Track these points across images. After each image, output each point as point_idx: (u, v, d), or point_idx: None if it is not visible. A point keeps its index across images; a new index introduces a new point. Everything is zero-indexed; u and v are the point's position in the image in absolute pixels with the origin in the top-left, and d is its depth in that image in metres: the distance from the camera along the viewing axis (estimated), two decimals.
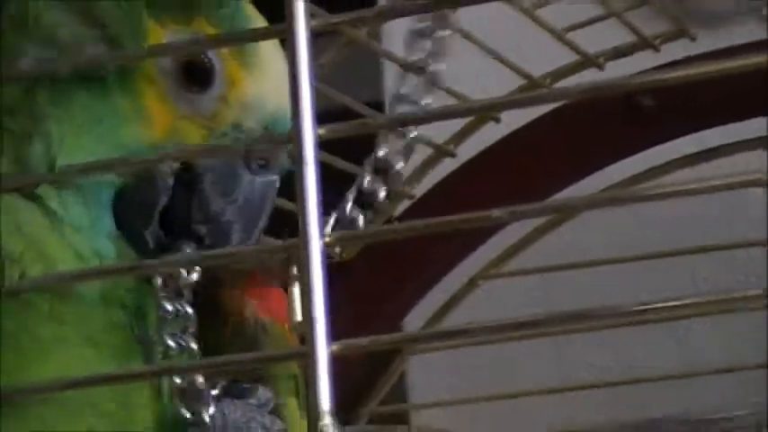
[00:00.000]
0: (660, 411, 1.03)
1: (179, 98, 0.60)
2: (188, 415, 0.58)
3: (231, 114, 0.60)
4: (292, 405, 0.63)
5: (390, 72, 1.07)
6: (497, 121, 0.90)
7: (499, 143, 0.88)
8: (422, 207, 0.92)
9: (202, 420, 0.57)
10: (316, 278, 0.42)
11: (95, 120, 0.59)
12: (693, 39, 0.87)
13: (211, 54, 0.60)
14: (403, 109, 0.55)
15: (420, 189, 0.93)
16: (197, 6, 0.61)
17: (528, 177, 0.90)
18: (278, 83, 0.58)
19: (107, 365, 0.59)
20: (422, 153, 0.90)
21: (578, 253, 1.01)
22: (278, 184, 0.61)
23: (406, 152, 0.57)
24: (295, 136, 0.43)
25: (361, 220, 0.54)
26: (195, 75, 0.60)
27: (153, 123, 0.60)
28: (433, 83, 0.56)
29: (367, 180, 0.56)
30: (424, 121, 0.51)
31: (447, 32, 0.56)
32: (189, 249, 0.59)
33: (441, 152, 0.90)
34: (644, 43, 0.85)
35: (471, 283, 0.94)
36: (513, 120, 0.93)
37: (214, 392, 0.59)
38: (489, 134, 0.94)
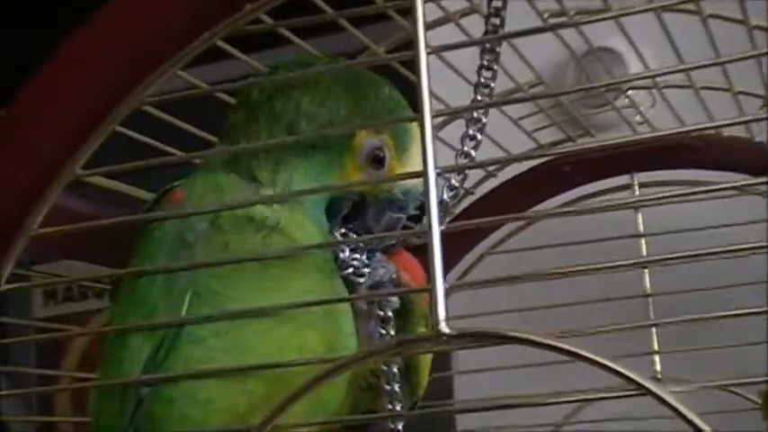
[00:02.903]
0: None
1: (365, 172, 0.92)
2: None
3: (389, 185, 0.93)
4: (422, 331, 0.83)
5: None
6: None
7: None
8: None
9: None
10: (436, 250, 0.67)
11: (317, 175, 0.90)
12: (593, 135, 1.52)
13: (385, 150, 0.92)
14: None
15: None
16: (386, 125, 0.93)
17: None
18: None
19: (324, 291, 0.87)
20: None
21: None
22: (404, 220, 0.94)
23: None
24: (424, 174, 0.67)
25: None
26: (375, 159, 0.92)
27: (347, 176, 0.91)
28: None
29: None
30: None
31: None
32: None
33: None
34: (568, 138, 1.55)
35: (480, 259, 1.51)
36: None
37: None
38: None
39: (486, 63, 0.91)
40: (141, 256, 0.91)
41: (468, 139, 0.91)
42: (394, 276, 0.92)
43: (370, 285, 0.91)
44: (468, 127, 0.92)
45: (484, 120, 0.92)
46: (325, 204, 0.93)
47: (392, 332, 0.89)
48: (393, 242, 0.94)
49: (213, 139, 1.16)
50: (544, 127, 1.49)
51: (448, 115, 1.03)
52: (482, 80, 0.92)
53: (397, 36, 1.22)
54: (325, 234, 0.92)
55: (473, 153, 0.92)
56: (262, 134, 0.93)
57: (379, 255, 0.92)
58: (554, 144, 1.49)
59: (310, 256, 0.89)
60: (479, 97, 0.92)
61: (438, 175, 0.70)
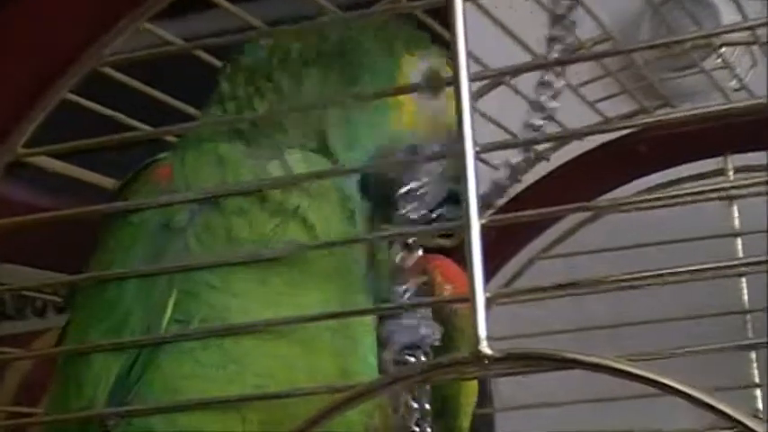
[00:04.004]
0: None
1: (423, 100, 1.00)
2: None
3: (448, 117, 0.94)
4: None
5: None
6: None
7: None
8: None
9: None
10: (476, 248, 0.70)
11: (374, 108, 0.98)
12: (674, 106, 1.56)
13: (443, 69, 1.01)
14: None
15: None
16: (437, 47, 1.02)
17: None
18: None
19: (338, 302, 0.91)
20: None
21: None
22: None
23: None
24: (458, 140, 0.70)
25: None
26: (431, 84, 0.99)
27: (403, 116, 0.99)
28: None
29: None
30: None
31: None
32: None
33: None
34: (643, 109, 1.58)
35: (530, 263, 1.59)
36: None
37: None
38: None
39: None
40: (111, 247, 0.93)
41: (537, 110, 0.98)
42: (436, 340, 0.93)
43: (405, 346, 0.93)
44: (538, 93, 0.97)
45: (557, 84, 0.97)
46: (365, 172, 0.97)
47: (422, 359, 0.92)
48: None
49: (191, 110, 1.19)
50: (611, 96, 1.55)
51: (490, 79, 1.10)
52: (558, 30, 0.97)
53: None
54: (355, 226, 0.95)
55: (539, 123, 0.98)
56: (282, 96, 0.97)
57: (424, 311, 0.94)
58: (624, 117, 1.54)
59: (333, 255, 0.91)
60: (555, 55, 0.96)
61: (478, 154, 0.73)
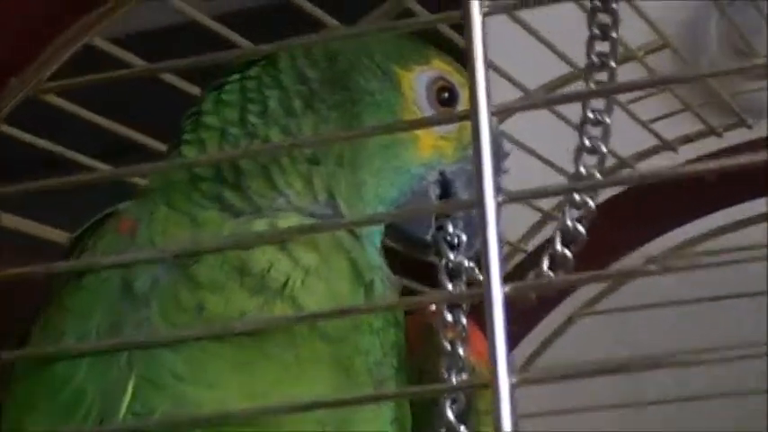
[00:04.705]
0: None
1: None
2: None
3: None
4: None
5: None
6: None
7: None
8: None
9: None
10: (498, 321, 0.71)
11: (383, 146, 0.99)
12: (750, 126, 1.53)
13: (453, 81, 1.03)
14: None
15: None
16: (433, 50, 1.04)
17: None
18: None
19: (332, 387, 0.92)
20: (532, 215, 1.57)
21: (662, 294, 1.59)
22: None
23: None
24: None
25: (569, 254, 0.88)
26: (444, 101, 1.02)
27: (421, 146, 1.01)
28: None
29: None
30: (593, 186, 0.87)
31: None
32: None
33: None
34: (710, 131, 1.53)
35: (569, 321, 1.58)
36: None
37: None
38: None
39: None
40: (60, 316, 0.94)
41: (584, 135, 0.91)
42: None
43: None
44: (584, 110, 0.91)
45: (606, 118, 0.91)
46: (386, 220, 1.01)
47: None
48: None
49: (141, 137, 1.19)
50: (670, 114, 1.53)
51: (512, 111, 1.04)
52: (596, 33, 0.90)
53: None
54: (379, 294, 0.97)
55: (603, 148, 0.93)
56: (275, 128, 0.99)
57: None
58: (687, 140, 1.53)
59: (331, 343, 0.94)
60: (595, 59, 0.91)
61: (500, 205, 0.75)
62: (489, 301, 0.73)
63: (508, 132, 1.35)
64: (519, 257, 1.55)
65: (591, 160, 0.89)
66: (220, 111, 1.01)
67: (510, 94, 1.41)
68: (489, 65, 0.76)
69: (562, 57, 1.31)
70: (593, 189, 0.86)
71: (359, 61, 1.01)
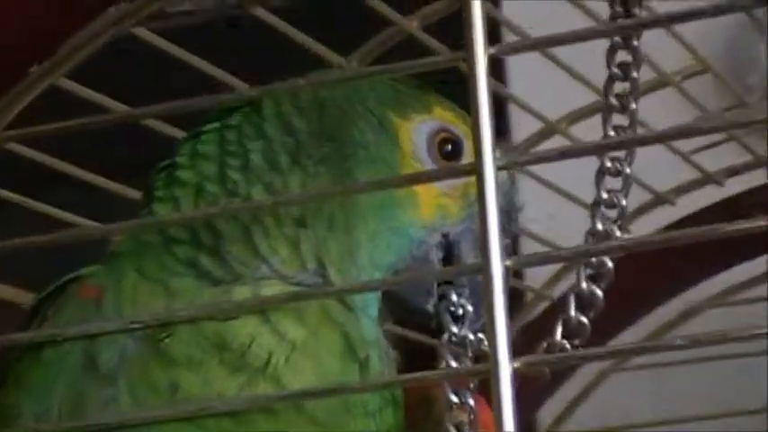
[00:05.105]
0: None
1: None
2: None
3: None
4: None
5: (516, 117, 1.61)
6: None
7: None
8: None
9: None
10: (506, 400, 0.71)
11: (379, 205, 0.97)
12: None
13: (457, 132, 1.01)
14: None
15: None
16: (434, 96, 1.03)
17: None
18: None
19: None
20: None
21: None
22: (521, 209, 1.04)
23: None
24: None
25: (585, 321, 0.87)
26: (447, 154, 1.00)
27: (421, 205, 0.99)
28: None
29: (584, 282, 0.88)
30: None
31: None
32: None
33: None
34: (757, 162, 1.50)
35: (601, 376, 1.58)
36: None
37: None
38: None
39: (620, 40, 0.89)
40: (17, 394, 0.93)
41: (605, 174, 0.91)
42: None
43: None
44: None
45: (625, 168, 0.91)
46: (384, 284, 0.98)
47: None
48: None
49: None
50: (712, 145, 1.49)
51: (520, 165, 1.03)
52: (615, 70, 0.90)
53: None
54: (379, 368, 0.96)
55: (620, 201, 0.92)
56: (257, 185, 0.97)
57: None
58: (731, 173, 1.51)
59: (329, 427, 0.93)
60: (613, 101, 0.90)
61: (508, 269, 0.73)
62: (497, 379, 0.72)
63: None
64: (543, 305, 1.53)
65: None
66: (197, 164, 0.99)
67: (532, 125, 1.45)
68: (508, 97, 0.75)
69: (586, 83, 1.29)
70: (612, 252, 0.85)
71: (351, 109, 0.99)
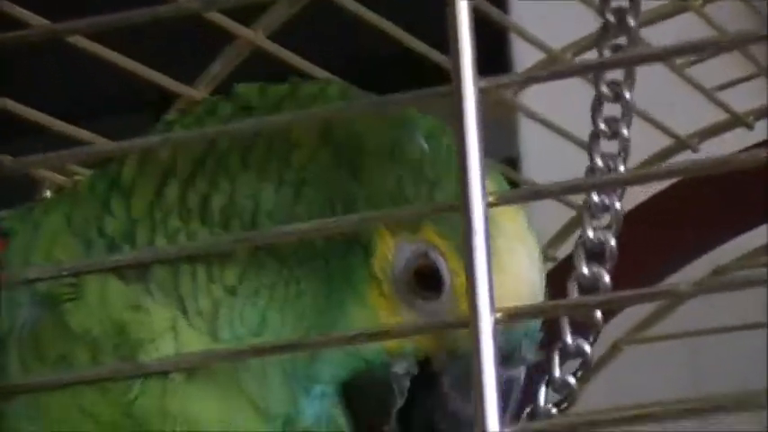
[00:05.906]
0: None
1: (411, 306, 0.89)
2: None
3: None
4: None
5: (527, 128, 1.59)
6: None
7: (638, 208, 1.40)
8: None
9: None
10: (486, 351, 0.68)
11: (328, 325, 0.88)
12: None
13: (440, 261, 0.88)
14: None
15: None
16: (425, 216, 0.89)
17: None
18: (517, 285, 0.86)
19: None
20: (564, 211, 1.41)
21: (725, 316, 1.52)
22: (522, 380, 0.89)
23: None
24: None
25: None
26: (426, 282, 0.89)
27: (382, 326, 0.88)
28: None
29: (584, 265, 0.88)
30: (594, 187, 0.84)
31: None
32: None
33: None
34: None
35: (615, 348, 1.46)
36: None
37: None
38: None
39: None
40: None
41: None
42: None
43: None
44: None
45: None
46: (338, 388, 0.90)
47: None
48: None
49: None
50: (741, 79, 1.37)
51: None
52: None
53: None
54: None
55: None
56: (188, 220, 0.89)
57: None
58: (764, 114, 1.42)
59: None
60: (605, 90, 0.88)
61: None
62: (477, 330, 0.68)
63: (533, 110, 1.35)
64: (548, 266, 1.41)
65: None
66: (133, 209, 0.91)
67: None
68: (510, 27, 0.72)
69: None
70: (609, 186, 0.79)
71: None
